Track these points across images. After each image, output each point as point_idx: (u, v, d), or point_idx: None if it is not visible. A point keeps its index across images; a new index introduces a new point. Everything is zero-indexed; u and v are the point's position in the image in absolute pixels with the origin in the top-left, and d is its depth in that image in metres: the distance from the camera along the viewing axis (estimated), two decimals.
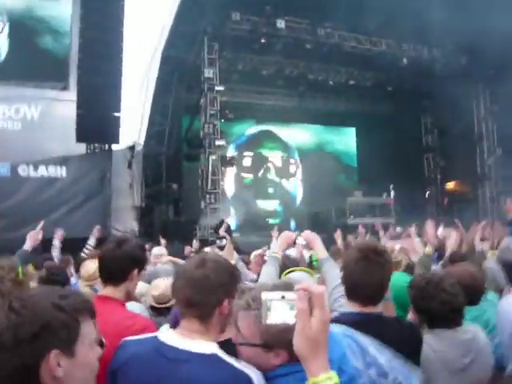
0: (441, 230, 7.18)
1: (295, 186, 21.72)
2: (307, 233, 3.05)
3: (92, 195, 12.99)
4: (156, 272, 5.33)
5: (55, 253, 6.47)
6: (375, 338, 1.77)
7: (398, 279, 3.10)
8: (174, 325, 2.03)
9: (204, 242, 11.40)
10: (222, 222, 14.15)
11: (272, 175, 20.96)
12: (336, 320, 1.94)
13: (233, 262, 4.35)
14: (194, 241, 10.79)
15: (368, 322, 1.99)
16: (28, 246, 4.15)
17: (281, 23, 14.68)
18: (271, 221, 19.26)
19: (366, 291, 2.11)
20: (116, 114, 12.74)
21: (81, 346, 1.29)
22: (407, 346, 2.00)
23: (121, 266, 2.38)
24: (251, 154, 20.59)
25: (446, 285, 2.38)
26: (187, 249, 9.75)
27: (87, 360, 1.32)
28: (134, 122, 14.37)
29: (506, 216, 6.64)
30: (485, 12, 11.53)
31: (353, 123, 22.73)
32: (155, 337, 1.74)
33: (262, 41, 15.01)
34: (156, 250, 6.62)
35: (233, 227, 15.38)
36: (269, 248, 6.19)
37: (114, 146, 13.82)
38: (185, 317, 1.74)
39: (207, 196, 15.16)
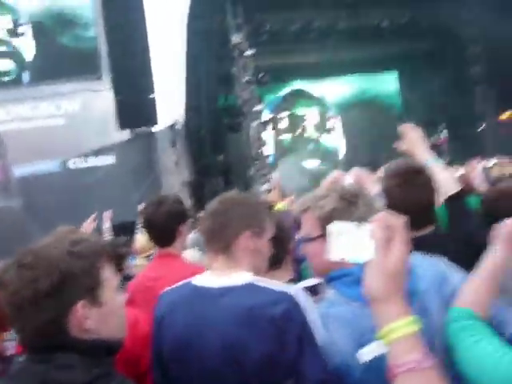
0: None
1: (336, 140, 21.33)
2: (356, 171, 2.90)
3: (142, 178, 13.33)
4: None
5: (107, 236, 6.29)
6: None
7: None
8: None
9: None
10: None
11: (309, 133, 20.64)
12: None
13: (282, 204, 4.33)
14: None
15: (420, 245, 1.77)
16: None
17: None
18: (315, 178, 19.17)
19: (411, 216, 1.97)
20: (151, 96, 12.90)
21: (106, 292, 1.24)
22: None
23: (167, 226, 2.47)
24: (286, 114, 20.35)
25: None
26: None
27: (115, 306, 1.28)
28: (171, 100, 14.48)
29: None
30: None
31: (393, 67, 21.81)
32: (189, 282, 1.79)
33: None
34: None
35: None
36: None
37: (156, 127, 14.06)
38: (209, 252, 1.79)
39: (255, 162, 15.20)
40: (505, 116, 19.12)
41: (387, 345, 1.00)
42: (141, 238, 4.74)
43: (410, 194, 2.03)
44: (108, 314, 1.23)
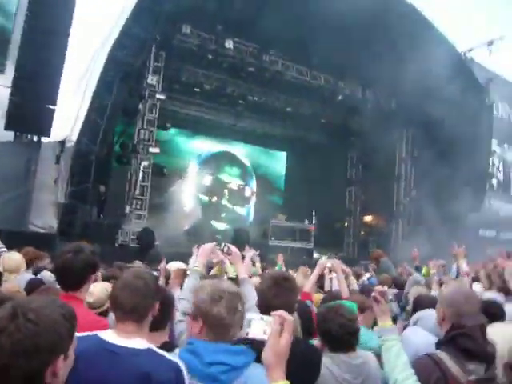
0: None
1: (248, 210, 22.21)
2: (232, 248, 3.36)
3: (14, 186, 12.42)
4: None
5: None
6: None
7: None
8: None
9: None
10: (146, 230, 14.13)
11: (225, 201, 21.42)
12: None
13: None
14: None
15: None
16: None
17: (229, 43, 15.04)
18: (219, 237, 19.52)
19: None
20: (51, 107, 12.36)
21: (72, 349, 1.48)
22: (308, 366, 2.45)
23: (81, 273, 2.62)
24: (211, 177, 21.21)
25: (344, 311, 2.80)
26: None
27: (72, 359, 1.50)
28: (68, 117, 13.93)
29: (412, 263, 7.05)
30: (417, 62, 12.59)
31: (284, 148, 23.48)
32: (96, 335, 1.99)
33: (209, 57, 15.27)
34: None
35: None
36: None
37: (44, 138, 13.35)
38: (121, 321, 2.03)
39: (134, 201, 14.97)
40: (367, 219, 21.32)
41: None
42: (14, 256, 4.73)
43: (278, 294, 2.51)
44: (68, 366, 1.47)
